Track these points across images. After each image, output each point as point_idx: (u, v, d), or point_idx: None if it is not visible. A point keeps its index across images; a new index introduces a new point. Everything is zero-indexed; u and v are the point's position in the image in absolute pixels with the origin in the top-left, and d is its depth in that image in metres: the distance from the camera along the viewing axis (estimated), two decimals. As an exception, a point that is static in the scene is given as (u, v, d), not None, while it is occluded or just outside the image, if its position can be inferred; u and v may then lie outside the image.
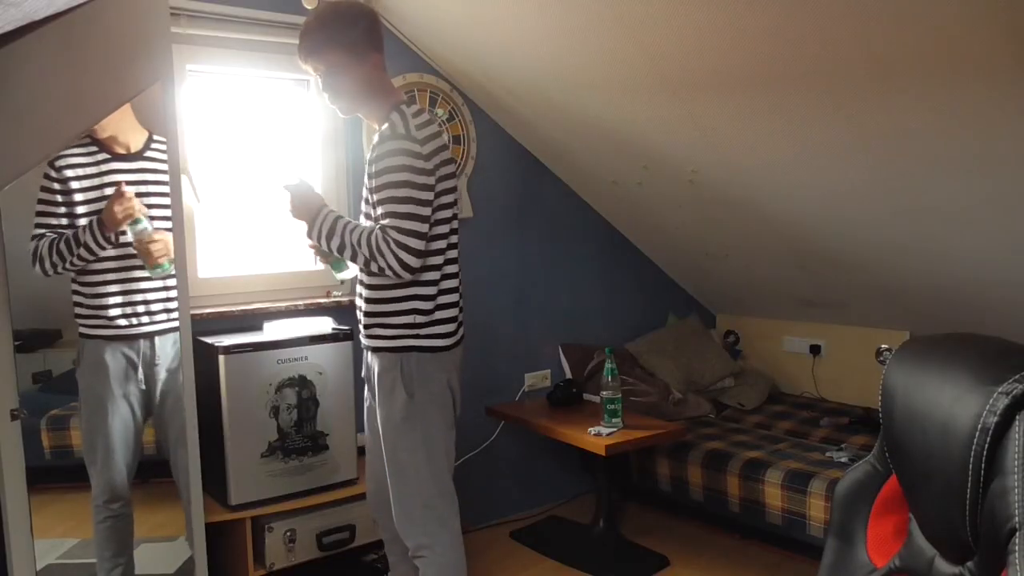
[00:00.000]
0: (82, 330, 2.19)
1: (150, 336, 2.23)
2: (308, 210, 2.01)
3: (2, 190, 1.84)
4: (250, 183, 2.81)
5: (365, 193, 2.06)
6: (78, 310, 2.18)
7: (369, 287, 2.05)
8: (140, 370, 2.23)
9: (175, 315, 2.18)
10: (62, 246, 2.12)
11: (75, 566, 2.25)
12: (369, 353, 2.11)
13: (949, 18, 1.85)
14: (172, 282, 2.17)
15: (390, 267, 1.90)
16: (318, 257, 2.16)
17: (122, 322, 2.21)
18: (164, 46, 1.99)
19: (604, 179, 3.39)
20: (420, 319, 2.00)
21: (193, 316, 2.30)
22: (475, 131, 3.22)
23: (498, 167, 3.33)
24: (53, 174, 2.11)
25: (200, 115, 2.66)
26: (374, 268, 1.93)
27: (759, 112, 2.49)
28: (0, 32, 1.61)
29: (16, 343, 1.92)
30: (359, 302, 2.10)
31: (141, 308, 2.21)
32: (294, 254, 2.90)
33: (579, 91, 2.81)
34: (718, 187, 3.04)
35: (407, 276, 1.93)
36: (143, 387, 2.24)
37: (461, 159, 3.18)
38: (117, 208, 2.13)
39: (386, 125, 1.96)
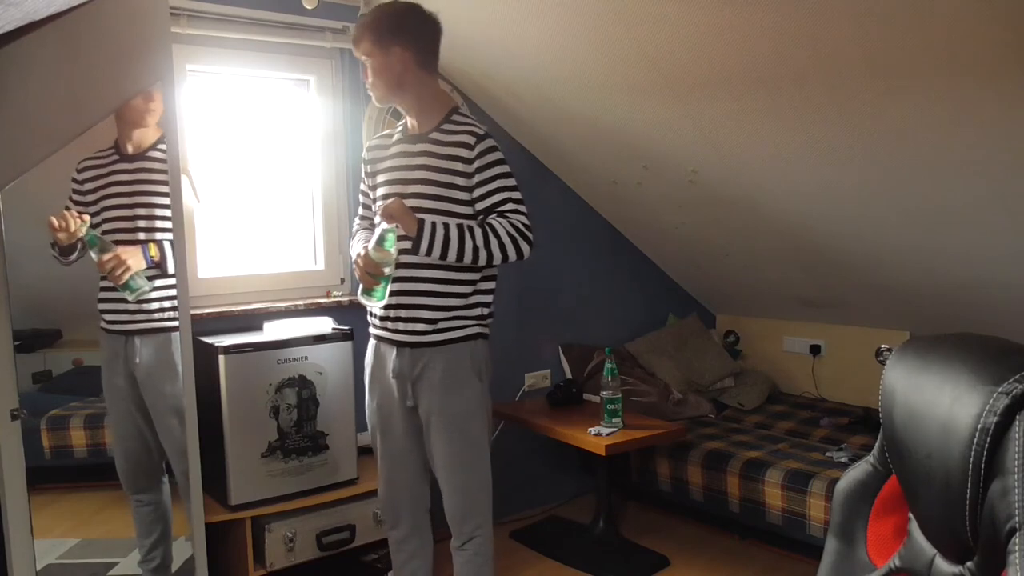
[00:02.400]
0: None
1: (130, 334, 2.24)
2: (412, 216, 1.99)
3: (2, 190, 1.85)
4: (250, 183, 2.81)
5: (403, 187, 2.08)
6: None
7: (439, 281, 2.05)
8: (123, 366, 2.24)
9: (155, 316, 2.21)
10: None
11: (75, 566, 2.25)
12: (419, 349, 2.07)
13: (949, 19, 1.85)
14: (156, 283, 2.19)
15: (520, 252, 2.03)
16: (361, 280, 2.03)
17: (108, 317, 2.24)
18: (164, 46, 1.99)
19: (604, 179, 3.39)
20: (485, 311, 2.13)
21: (193, 316, 2.30)
22: (475, 131, 3.22)
23: (498, 167, 3.32)
24: (75, 174, 2.21)
25: (200, 115, 2.66)
26: (497, 255, 1.99)
27: (759, 112, 2.49)
28: (0, 32, 1.61)
29: (16, 343, 1.92)
30: (409, 299, 2.05)
31: (120, 306, 2.22)
32: (294, 254, 2.90)
33: (579, 91, 2.81)
34: (718, 187, 3.04)
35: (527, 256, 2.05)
36: (124, 382, 2.25)
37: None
38: (53, 230, 2.14)
39: (473, 126, 2.06)
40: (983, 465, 0.86)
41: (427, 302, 2.04)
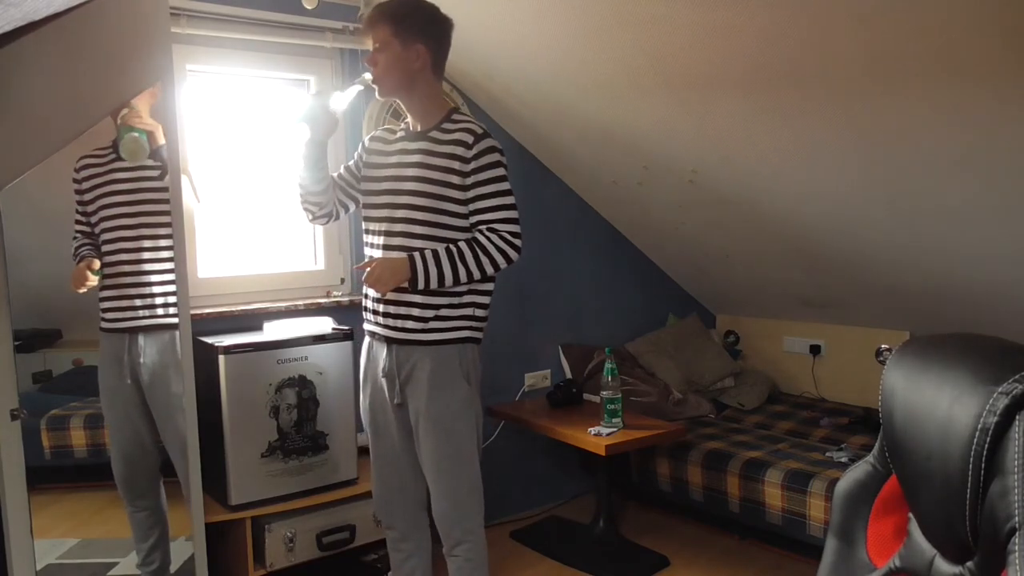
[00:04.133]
0: None
1: (133, 332, 2.24)
2: (399, 270, 1.99)
3: (2, 190, 1.84)
4: (250, 183, 2.81)
5: (375, 163, 2.13)
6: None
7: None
8: (125, 366, 2.24)
9: (159, 311, 2.21)
10: (73, 257, 2.22)
11: (75, 566, 2.25)
12: (409, 348, 2.06)
13: (948, 20, 1.85)
14: (155, 278, 2.20)
15: (509, 261, 2.02)
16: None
17: (109, 315, 2.24)
18: (164, 46, 1.99)
19: (604, 179, 3.39)
20: (479, 312, 2.11)
21: (193, 316, 2.30)
22: (475, 131, 3.22)
23: (498, 167, 3.32)
24: (74, 175, 2.22)
25: (200, 115, 2.66)
26: (489, 271, 2.01)
27: (759, 112, 2.49)
28: (0, 32, 1.61)
29: (16, 343, 1.92)
30: (401, 296, 2.04)
31: (124, 303, 2.23)
32: (294, 254, 2.90)
33: (579, 91, 2.81)
34: (718, 187, 3.04)
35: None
36: (128, 381, 2.25)
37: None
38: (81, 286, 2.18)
39: (470, 124, 2.04)
40: (983, 465, 0.86)
41: (419, 299, 2.04)
